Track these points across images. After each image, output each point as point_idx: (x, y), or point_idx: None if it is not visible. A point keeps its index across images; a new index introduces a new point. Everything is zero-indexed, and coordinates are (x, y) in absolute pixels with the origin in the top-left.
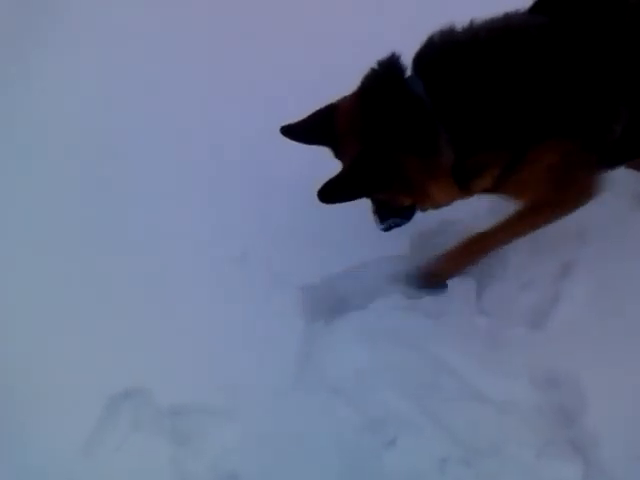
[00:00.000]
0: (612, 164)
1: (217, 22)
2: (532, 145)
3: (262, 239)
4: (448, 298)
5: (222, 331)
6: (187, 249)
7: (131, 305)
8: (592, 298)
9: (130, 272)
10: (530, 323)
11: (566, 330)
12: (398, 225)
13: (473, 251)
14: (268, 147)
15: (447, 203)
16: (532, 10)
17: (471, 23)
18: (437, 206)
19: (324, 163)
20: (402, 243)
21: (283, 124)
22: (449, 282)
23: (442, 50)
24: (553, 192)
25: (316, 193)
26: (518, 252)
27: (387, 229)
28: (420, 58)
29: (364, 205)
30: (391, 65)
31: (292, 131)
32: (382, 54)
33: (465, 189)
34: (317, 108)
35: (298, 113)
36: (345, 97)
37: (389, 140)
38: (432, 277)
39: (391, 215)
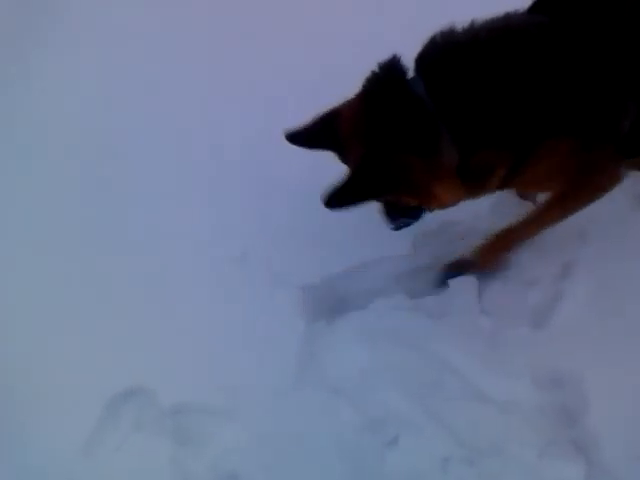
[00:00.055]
0: (628, 155)
1: (217, 22)
2: (538, 143)
3: (262, 239)
4: (449, 298)
5: (222, 331)
6: (187, 249)
7: (131, 305)
8: (593, 298)
9: (130, 272)
10: (532, 323)
11: (568, 330)
12: (408, 225)
13: (507, 243)
14: (268, 147)
15: (453, 203)
16: (531, 10)
17: (472, 23)
18: (444, 206)
19: (324, 163)
20: (403, 243)
21: (286, 129)
22: (451, 282)
23: (444, 51)
24: (575, 182)
25: (321, 200)
26: (519, 252)
27: (397, 229)
28: (422, 59)
29: (364, 205)
30: (392, 67)
31: (296, 137)
32: (382, 54)
33: (472, 189)
34: (317, 108)
35: (298, 113)
36: (347, 101)
37: (392, 143)
38: (466, 269)
39: (400, 215)
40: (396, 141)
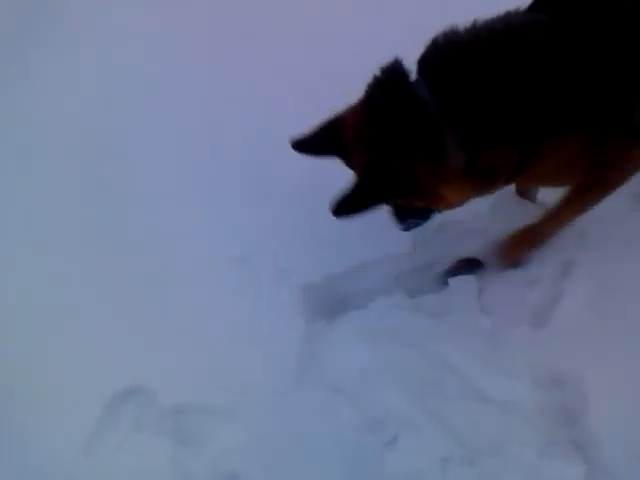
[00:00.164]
0: None
1: (217, 22)
2: (544, 139)
3: (262, 239)
4: (450, 297)
5: (222, 331)
6: (187, 249)
7: (131, 305)
8: (593, 298)
9: (130, 272)
10: (532, 322)
11: (568, 330)
12: (417, 225)
13: (532, 239)
14: (268, 147)
15: (462, 203)
16: (531, 8)
17: (473, 24)
18: (452, 207)
19: (324, 164)
20: (403, 243)
21: (291, 137)
22: (451, 281)
23: (446, 52)
24: (594, 173)
25: (329, 210)
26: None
27: (407, 229)
28: (424, 61)
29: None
30: (395, 71)
31: (301, 145)
32: (382, 54)
33: (480, 187)
34: (317, 108)
35: (298, 113)
36: (350, 106)
37: (398, 148)
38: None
39: (409, 216)
40: (402, 147)
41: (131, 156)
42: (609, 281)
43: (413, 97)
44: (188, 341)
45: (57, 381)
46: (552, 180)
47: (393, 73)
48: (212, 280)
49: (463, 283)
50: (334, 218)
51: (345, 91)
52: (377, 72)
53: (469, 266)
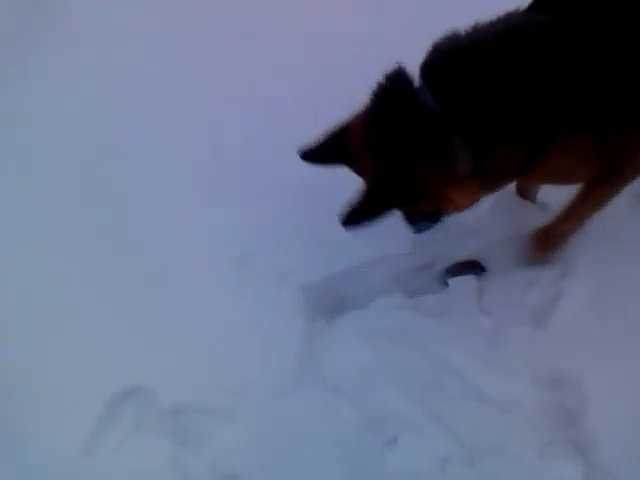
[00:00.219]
0: None
1: (217, 22)
2: (550, 137)
3: (262, 239)
4: (450, 297)
5: (222, 331)
6: (187, 249)
7: (131, 305)
8: (592, 298)
9: (130, 272)
10: (532, 322)
11: (568, 330)
12: (429, 228)
13: (554, 239)
14: (268, 147)
15: (470, 205)
16: (531, 8)
17: (474, 26)
18: (462, 209)
19: None
20: (404, 243)
21: (299, 148)
22: (451, 282)
23: (449, 57)
24: (603, 168)
25: (339, 221)
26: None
27: (418, 232)
28: (427, 67)
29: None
30: (398, 77)
31: (309, 155)
32: (382, 54)
33: (488, 186)
34: (317, 108)
35: (298, 113)
36: (356, 114)
37: (404, 156)
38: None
39: (419, 219)
40: (410, 154)
41: (131, 156)
42: (609, 281)
43: (418, 104)
44: (188, 341)
45: (57, 381)
46: (563, 177)
47: (397, 80)
48: (212, 280)
49: (463, 283)
50: (334, 218)
51: (345, 91)
52: (381, 79)
53: (468, 268)
